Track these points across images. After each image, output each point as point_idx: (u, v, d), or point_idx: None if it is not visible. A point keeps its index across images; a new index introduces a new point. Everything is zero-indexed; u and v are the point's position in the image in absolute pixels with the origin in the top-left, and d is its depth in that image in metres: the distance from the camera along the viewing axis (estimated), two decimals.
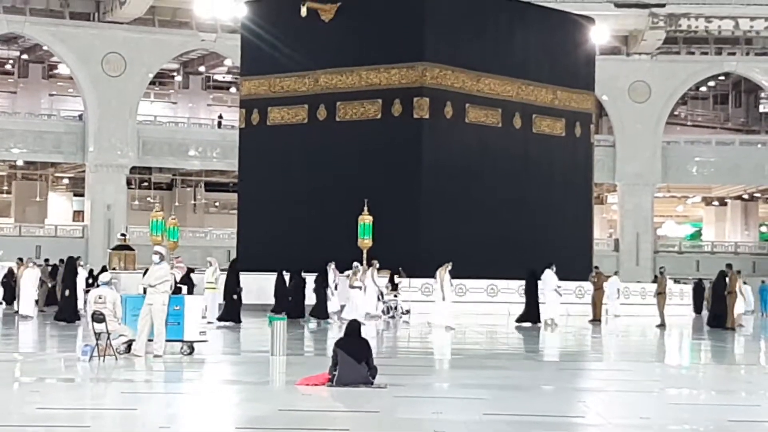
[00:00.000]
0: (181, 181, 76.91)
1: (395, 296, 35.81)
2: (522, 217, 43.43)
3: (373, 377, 15.14)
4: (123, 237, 48.25)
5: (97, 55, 64.46)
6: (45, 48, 68.21)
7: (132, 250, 48.77)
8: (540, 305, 33.71)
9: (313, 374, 15.63)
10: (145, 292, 19.72)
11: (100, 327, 18.64)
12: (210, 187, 77.99)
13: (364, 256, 38.31)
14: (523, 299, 34.28)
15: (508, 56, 44.48)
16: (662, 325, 33.99)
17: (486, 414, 13.09)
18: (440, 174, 41.75)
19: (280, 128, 45.06)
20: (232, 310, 31.25)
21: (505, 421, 12.55)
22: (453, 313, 31.14)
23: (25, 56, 72.48)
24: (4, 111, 69.96)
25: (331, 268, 35.30)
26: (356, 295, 33.55)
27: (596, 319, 36.50)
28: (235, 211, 50.34)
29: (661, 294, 35.43)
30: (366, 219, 38.96)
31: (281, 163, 43.96)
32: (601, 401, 15.24)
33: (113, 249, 49.33)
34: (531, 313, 33.44)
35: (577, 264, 41.96)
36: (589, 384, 18.02)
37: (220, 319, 30.77)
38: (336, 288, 34.99)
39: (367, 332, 19.72)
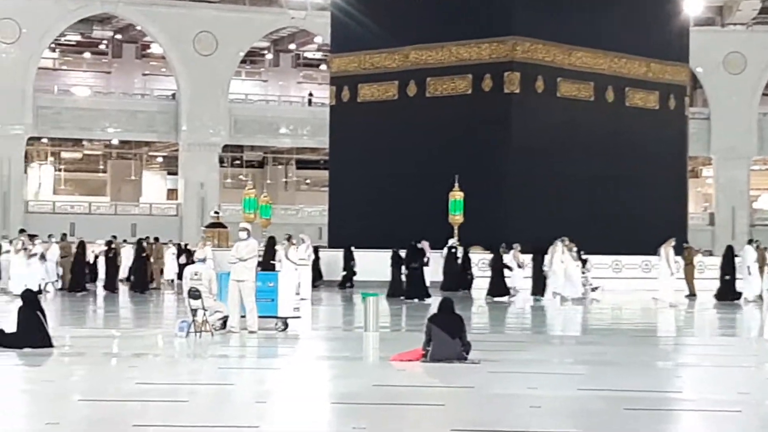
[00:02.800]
0: (272, 158, 77.35)
1: (584, 273, 35.06)
2: (614, 191, 42.98)
3: (467, 353, 15.13)
4: (216, 215, 48.62)
5: (189, 35, 65.00)
6: (138, 28, 68.94)
7: (225, 227, 49.14)
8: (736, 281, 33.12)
9: (406, 350, 15.66)
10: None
11: (196, 303, 18.86)
12: (301, 164, 78.36)
13: (456, 232, 38.30)
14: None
15: (600, 28, 43.94)
16: (692, 295, 33.63)
17: (581, 389, 13.03)
18: (530, 149, 41.44)
19: (370, 105, 45.07)
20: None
21: (601, 397, 12.47)
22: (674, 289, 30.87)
23: (118, 36, 73.29)
24: (98, 91, 70.88)
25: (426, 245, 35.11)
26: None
27: (692, 294, 36.07)
28: (326, 188, 50.52)
29: (689, 265, 34.98)
30: (457, 195, 38.90)
31: (371, 139, 43.97)
32: (697, 377, 15.08)
33: (207, 227, 49.74)
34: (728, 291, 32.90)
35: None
36: (685, 359, 17.82)
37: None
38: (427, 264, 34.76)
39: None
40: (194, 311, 18.92)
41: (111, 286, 35.10)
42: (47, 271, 33.36)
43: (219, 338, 18.75)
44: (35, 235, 34.92)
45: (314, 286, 34.12)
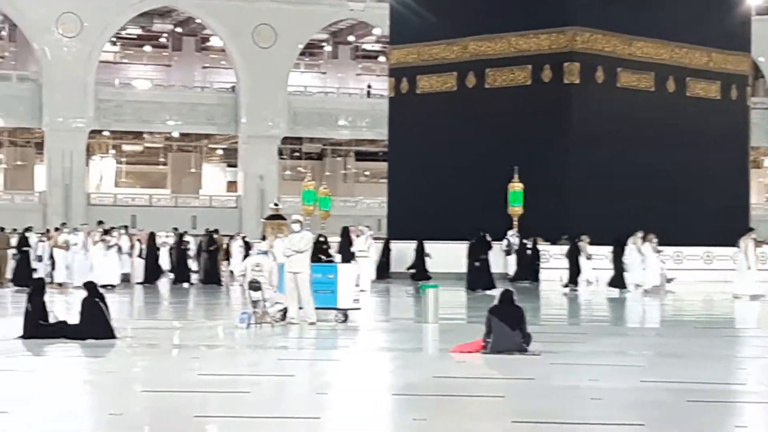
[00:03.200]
0: (331, 150, 77.53)
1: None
2: (674, 182, 42.56)
3: (528, 344, 15.07)
4: (276, 207, 48.74)
5: (248, 27, 65.29)
6: (198, 21, 69.32)
7: (284, 219, 49.19)
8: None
9: (466, 342, 15.63)
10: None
11: (256, 295, 18.94)
12: (360, 156, 78.45)
13: (515, 223, 38.18)
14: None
15: (660, 18, 43.52)
16: None
17: (643, 381, 12.93)
18: (590, 140, 41.15)
19: (429, 96, 44.98)
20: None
21: (664, 389, 12.37)
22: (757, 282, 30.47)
23: (178, 29, 73.74)
24: (159, 84, 71.38)
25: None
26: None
27: None
28: (385, 180, 50.52)
29: None
30: (516, 186, 38.76)
31: (430, 131, 43.87)
32: (763, 368, 14.92)
33: (266, 219, 49.92)
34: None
35: (734, 230, 41.02)
36: (750, 351, 17.64)
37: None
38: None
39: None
40: (255, 303, 19.01)
41: (181, 278, 35.30)
42: (123, 264, 33.66)
43: (279, 329, 18.83)
44: (113, 228, 35.18)
45: (384, 278, 34.06)
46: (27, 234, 34.54)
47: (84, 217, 56.58)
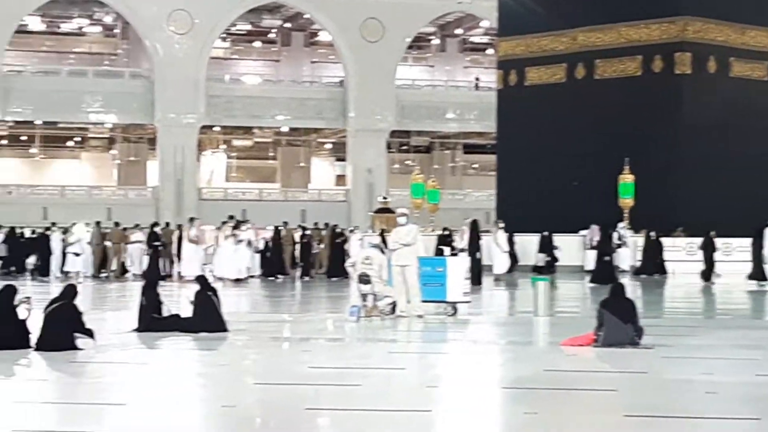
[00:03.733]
0: (439, 143, 77.49)
1: None
2: None
3: (640, 338, 14.91)
4: (384, 200, 48.91)
5: (356, 22, 65.54)
6: (306, 16, 69.77)
7: (393, 212, 49.36)
8: None
9: (577, 335, 15.51)
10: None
11: (366, 288, 19.01)
12: (468, 148, 78.27)
13: (626, 215, 37.80)
14: None
15: None
16: None
17: (759, 375, 12.71)
18: (702, 130, 40.54)
19: (537, 88, 44.73)
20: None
21: None
22: None
23: (287, 25, 74.26)
24: (268, 79, 72.01)
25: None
26: None
27: None
28: (494, 173, 50.35)
29: None
30: (627, 178, 38.36)
31: (539, 123, 43.60)
32: None
33: (375, 212, 50.11)
34: None
35: None
36: None
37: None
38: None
39: None
40: (364, 296, 19.08)
41: (306, 272, 35.61)
42: (251, 258, 34.04)
43: (389, 323, 18.87)
44: (242, 222, 35.55)
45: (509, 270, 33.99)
46: (155, 229, 35.11)
47: (195, 212, 57.33)
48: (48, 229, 37.68)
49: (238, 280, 31.84)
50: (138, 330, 17.02)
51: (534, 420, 10.10)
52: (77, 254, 34.79)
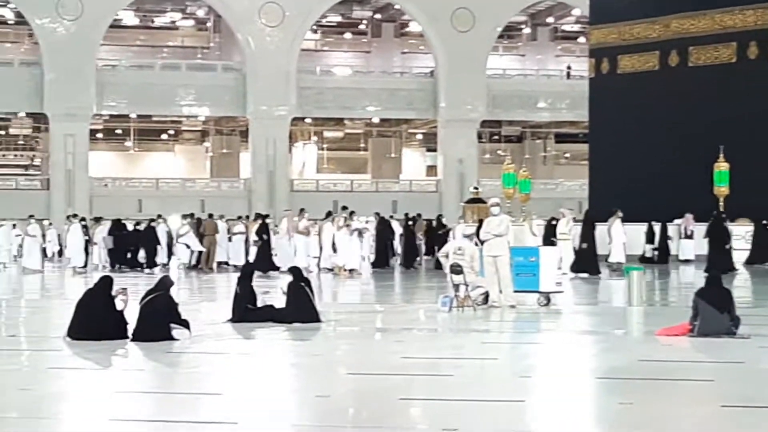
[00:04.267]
0: (530, 133, 77.08)
1: None
2: None
3: (736, 327, 14.71)
4: (475, 190, 48.78)
5: (446, 12, 65.38)
6: (396, 7, 69.77)
7: (484, 203, 49.19)
8: None
9: (672, 325, 15.35)
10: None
11: (458, 278, 19.00)
12: (560, 138, 77.76)
13: (721, 204, 37.30)
14: None
15: None
16: None
17: None
18: None
19: (630, 76, 44.29)
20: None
21: None
22: None
23: (377, 16, 74.31)
24: (359, 71, 72.13)
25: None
26: None
27: None
28: (586, 162, 49.97)
29: None
30: (722, 166, 37.85)
31: (632, 111, 43.17)
32: None
33: (466, 202, 50.03)
34: None
35: None
36: None
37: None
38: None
39: None
40: (456, 286, 19.07)
41: (408, 263, 35.70)
42: (364, 248, 34.23)
43: (481, 313, 18.84)
44: (354, 212, 35.74)
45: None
46: (267, 221, 35.38)
47: (287, 204, 57.71)
48: (153, 221, 38.05)
49: (351, 271, 32.00)
50: (232, 320, 17.19)
51: (629, 410, 10.02)
52: (188, 246, 35.19)
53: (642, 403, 10.29)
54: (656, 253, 36.19)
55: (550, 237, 32.27)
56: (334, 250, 32.61)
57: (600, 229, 31.74)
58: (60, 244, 49.76)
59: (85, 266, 36.12)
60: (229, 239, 36.26)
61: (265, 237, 33.96)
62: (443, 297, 19.40)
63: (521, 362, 13.59)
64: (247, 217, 39.42)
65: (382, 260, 35.16)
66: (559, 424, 9.55)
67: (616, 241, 31.76)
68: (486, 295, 19.65)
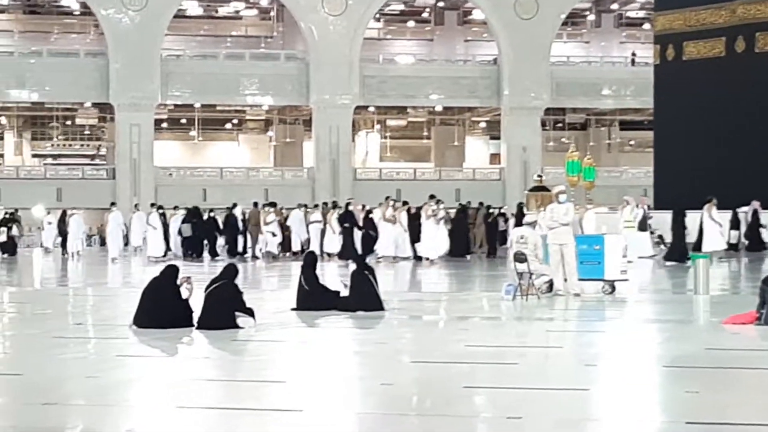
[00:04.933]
0: (595, 120, 76.63)
1: None
2: None
3: None
4: (539, 178, 48.59)
5: None
6: None
7: (548, 191, 48.98)
8: None
9: (740, 313, 15.20)
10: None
11: (522, 267, 18.93)
12: (624, 125, 77.25)
13: None
14: None
15: None
16: None
17: None
18: None
19: (696, 63, 43.83)
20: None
21: None
22: None
23: (440, 4, 74.19)
24: (421, 59, 72.03)
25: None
26: None
27: None
28: (651, 149, 49.57)
29: None
30: None
31: (698, 98, 42.74)
32: None
33: (530, 190, 49.85)
34: None
35: None
36: None
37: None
38: None
39: None
40: (520, 275, 19.00)
41: (492, 251, 35.75)
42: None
43: (545, 301, 18.77)
44: (441, 201, 35.76)
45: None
46: (349, 208, 35.39)
47: (351, 192, 57.81)
48: (231, 209, 38.05)
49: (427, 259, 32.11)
50: (297, 309, 17.25)
51: (695, 399, 9.93)
52: (274, 234, 35.31)
53: (708, 392, 10.19)
54: (746, 241, 35.75)
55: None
56: (418, 239, 32.75)
57: (690, 217, 31.42)
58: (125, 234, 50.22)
59: (164, 255, 36.27)
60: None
61: (347, 225, 33.84)
62: (507, 285, 19.35)
63: (586, 351, 13.50)
64: (325, 204, 39.42)
65: (461, 249, 34.96)
66: (624, 412, 9.48)
67: (713, 229, 31.24)
68: (550, 284, 19.58)
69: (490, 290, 22.32)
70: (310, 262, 18.07)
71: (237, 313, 14.96)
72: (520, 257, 18.96)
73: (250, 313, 15.12)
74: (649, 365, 12.19)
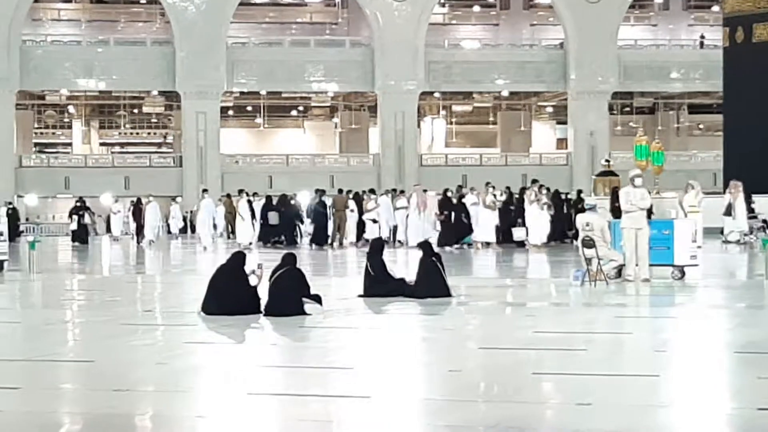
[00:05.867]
0: (663, 104, 75.92)
1: None
2: None
3: None
4: (607, 163, 48.23)
5: None
6: None
7: (616, 175, 48.65)
8: None
9: None
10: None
11: (590, 252, 18.80)
12: (693, 109, 76.45)
13: None
14: None
15: None
16: None
17: None
18: None
19: (766, 45, 43.26)
20: None
21: None
22: None
23: None
24: (487, 44, 71.73)
25: None
26: None
27: None
28: (720, 133, 49.01)
29: None
30: None
31: None
32: None
33: (597, 175, 49.51)
34: None
35: None
36: None
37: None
38: None
39: None
40: (588, 260, 18.87)
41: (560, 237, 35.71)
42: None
43: (614, 287, 18.62)
44: (542, 186, 35.60)
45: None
46: (447, 194, 35.13)
47: (416, 179, 57.72)
48: (323, 194, 37.81)
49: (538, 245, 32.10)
50: (364, 295, 17.24)
51: (767, 385, 9.80)
52: (375, 221, 35.27)
53: None
54: None
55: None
56: (522, 223, 32.74)
57: (759, 202, 31.04)
58: (185, 221, 50.54)
59: (252, 243, 35.89)
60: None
61: (446, 212, 33.65)
62: (575, 271, 19.23)
63: (655, 336, 13.38)
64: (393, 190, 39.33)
65: (558, 233, 34.74)
66: (694, 398, 9.37)
67: None
68: (619, 269, 19.42)
69: (560, 276, 22.21)
70: (377, 248, 18.06)
71: (304, 300, 14.98)
72: (588, 242, 18.82)
73: (317, 299, 15.14)
74: (719, 351, 12.05)
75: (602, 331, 13.73)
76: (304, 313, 14.81)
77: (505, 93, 72.29)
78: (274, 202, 38.03)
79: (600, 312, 15.90)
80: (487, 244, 32.83)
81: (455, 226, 33.10)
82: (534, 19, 75.56)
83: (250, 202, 37.72)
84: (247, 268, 15.42)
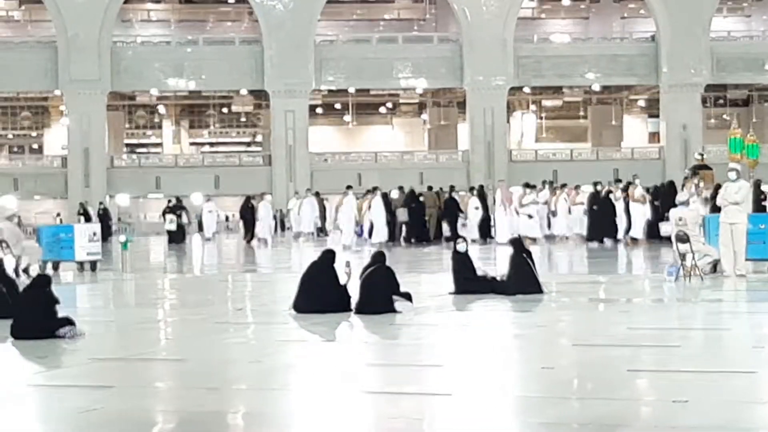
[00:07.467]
0: (758, 96, 74.77)
1: None
2: None
3: None
4: (700, 156, 47.61)
5: None
6: None
7: (710, 169, 48.02)
8: None
9: None
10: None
11: (684, 247, 18.53)
12: None
13: None
14: None
15: None
16: None
17: None
18: None
19: None
20: None
21: None
22: None
23: None
24: (577, 37, 71.22)
25: None
26: None
27: None
28: None
29: None
30: None
31: None
32: None
33: (690, 169, 48.92)
34: None
35: None
36: None
37: None
38: None
39: None
40: (683, 255, 18.59)
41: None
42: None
43: (709, 282, 18.33)
44: (622, 182, 35.33)
45: None
46: (598, 188, 34.76)
47: (505, 174, 57.50)
48: (452, 190, 37.38)
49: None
50: (454, 292, 17.16)
51: None
52: (530, 216, 34.66)
53: None
54: None
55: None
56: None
57: None
58: (281, 219, 50.66)
59: (389, 240, 34.79)
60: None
61: (595, 207, 33.33)
62: (669, 266, 18.97)
63: (753, 332, 13.13)
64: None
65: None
66: None
67: None
68: (714, 264, 19.11)
69: (654, 272, 21.94)
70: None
71: (395, 297, 14.94)
72: (682, 237, 18.55)
73: (407, 296, 15.09)
74: None
75: (697, 327, 13.52)
76: (394, 310, 14.76)
77: (595, 87, 71.69)
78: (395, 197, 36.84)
79: (695, 307, 15.67)
80: (634, 240, 32.31)
81: (601, 220, 32.83)
82: (624, 11, 74.89)
83: (385, 196, 36.13)
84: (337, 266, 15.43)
